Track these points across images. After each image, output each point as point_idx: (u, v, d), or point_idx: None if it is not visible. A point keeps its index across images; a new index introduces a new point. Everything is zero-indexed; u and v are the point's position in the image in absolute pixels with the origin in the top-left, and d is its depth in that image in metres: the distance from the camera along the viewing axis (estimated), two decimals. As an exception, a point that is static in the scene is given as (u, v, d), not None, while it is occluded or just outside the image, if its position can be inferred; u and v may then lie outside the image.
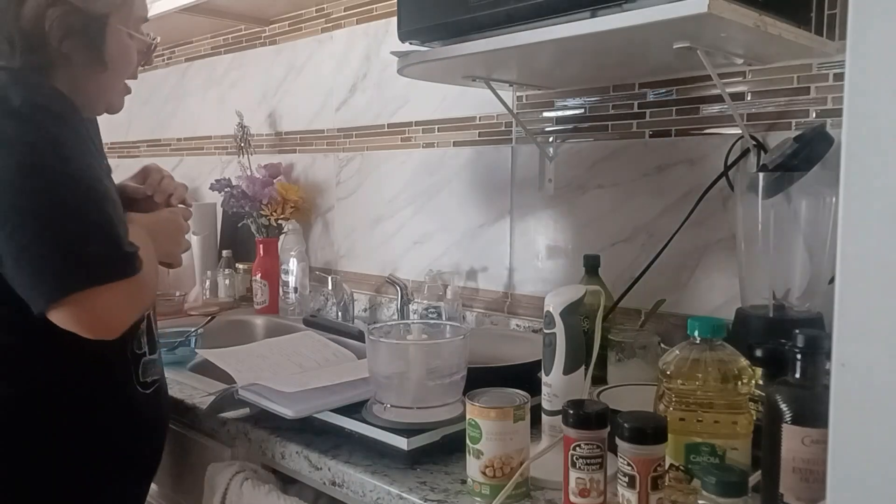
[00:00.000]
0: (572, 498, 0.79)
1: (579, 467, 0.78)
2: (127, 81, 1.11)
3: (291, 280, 1.92)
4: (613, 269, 1.37)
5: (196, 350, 1.47)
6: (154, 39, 1.11)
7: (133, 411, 1.07)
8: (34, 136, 0.88)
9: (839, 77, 1.13)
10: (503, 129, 1.58)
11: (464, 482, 0.89)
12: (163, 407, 1.15)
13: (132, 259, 0.91)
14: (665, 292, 1.31)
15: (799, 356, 0.74)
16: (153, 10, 1.97)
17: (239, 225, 2.05)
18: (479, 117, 1.62)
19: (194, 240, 2.15)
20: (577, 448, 0.78)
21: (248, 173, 2.04)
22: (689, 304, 1.30)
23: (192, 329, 1.56)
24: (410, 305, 1.69)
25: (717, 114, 1.26)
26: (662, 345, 1.23)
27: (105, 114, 1.11)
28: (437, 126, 1.71)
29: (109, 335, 0.91)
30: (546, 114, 1.51)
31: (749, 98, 1.23)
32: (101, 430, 1.03)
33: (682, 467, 0.82)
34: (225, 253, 2.13)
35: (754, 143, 1.20)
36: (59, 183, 0.88)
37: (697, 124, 1.29)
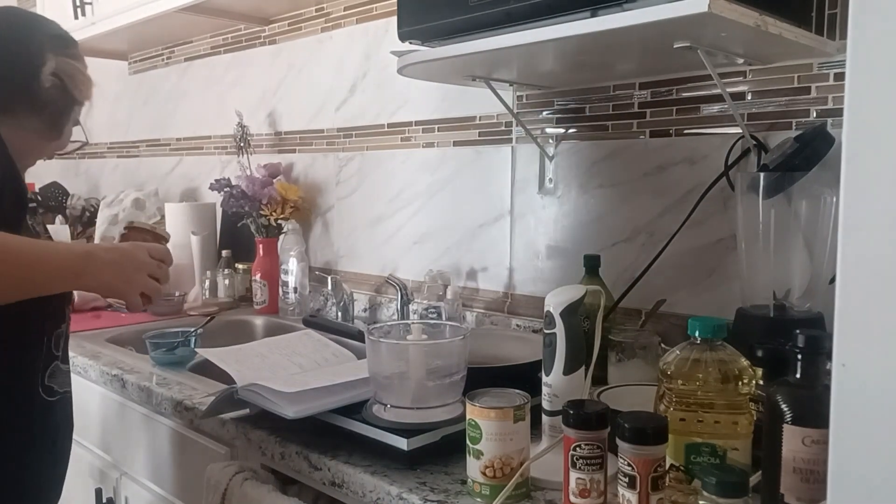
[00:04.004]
0: (572, 498, 0.79)
1: (579, 468, 0.78)
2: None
3: (291, 280, 1.91)
4: (614, 269, 1.37)
5: (196, 350, 1.46)
6: (84, 142, 1.27)
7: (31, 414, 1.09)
8: None
9: (840, 77, 1.12)
10: (503, 128, 1.58)
11: (464, 483, 0.89)
12: (61, 420, 1.16)
13: None
14: (665, 292, 1.31)
15: (799, 356, 0.74)
16: (153, 9, 1.98)
17: (238, 225, 2.04)
18: (479, 117, 1.62)
19: (194, 240, 2.15)
20: (578, 448, 0.78)
21: (248, 173, 2.04)
22: (690, 304, 1.30)
23: (192, 329, 1.56)
24: (410, 305, 1.69)
25: (717, 113, 1.26)
26: (663, 345, 1.23)
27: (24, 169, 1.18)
28: (437, 126, 1.71)
29: None
30: (546, 113, 1.51)
31: (749, 98, 1.23)
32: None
33: (682, 468, 0.82)
34: (224, 253, 2.12)
35: (755, 142, 1.20)
36: None
37: (698, 124, 1.29)
